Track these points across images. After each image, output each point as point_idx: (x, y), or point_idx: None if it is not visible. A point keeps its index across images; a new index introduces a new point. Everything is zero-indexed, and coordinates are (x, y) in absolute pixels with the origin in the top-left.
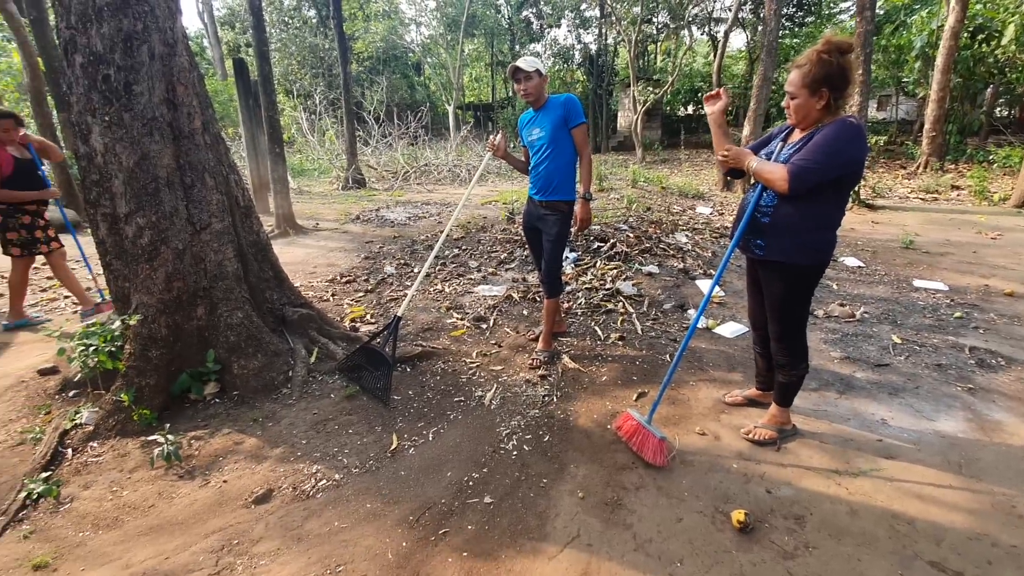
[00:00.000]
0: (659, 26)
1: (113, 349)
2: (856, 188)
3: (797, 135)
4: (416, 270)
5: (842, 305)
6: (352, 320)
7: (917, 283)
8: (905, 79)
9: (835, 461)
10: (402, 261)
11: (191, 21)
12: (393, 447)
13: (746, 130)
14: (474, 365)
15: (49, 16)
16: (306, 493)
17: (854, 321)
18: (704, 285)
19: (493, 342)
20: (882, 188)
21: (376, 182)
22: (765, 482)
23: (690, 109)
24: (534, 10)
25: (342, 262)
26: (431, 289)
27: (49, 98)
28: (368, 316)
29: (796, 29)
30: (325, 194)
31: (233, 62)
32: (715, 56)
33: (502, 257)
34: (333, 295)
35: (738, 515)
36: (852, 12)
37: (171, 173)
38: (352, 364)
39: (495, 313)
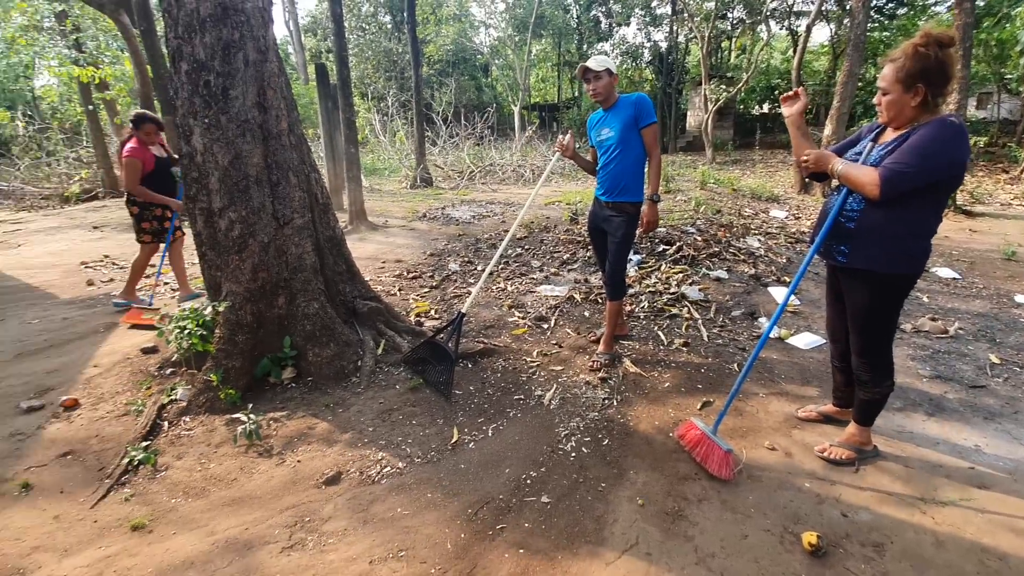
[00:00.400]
0: (734, 21)
1: (204, 333)
2: (952, 194)
3: (890, 135)
4: (479, 268)
5: (933, 319)
6: (417, 315)
7: (1019, 298)
8: (1008, 76)
9: (921, 487)
10: (466, 259)
11: (277, 30)
12: (454, 440)
13: (827, 130)
14: (534, 364)
15: (157, 27)
16: (372, 478)
17: (947, 337)
18: (777, 292)
19: (554, 342)
20: (981, 193)
21: (442, 181)
22: (841, 505)
23: (765, 108)
24: (603, 8)
25: (409, 258)
26: (494, 287)
27: (156, 103)
28: (432, 311)
29: (886, 22)
30: (394, 192)
31: (315, 67)
32: (795, 52)
33: (564, 258)
34: (400, 290)
35: (810, 537)
36: (949, 3)
37: (260, 171)
38: (417, 357)
39: (556, 313)
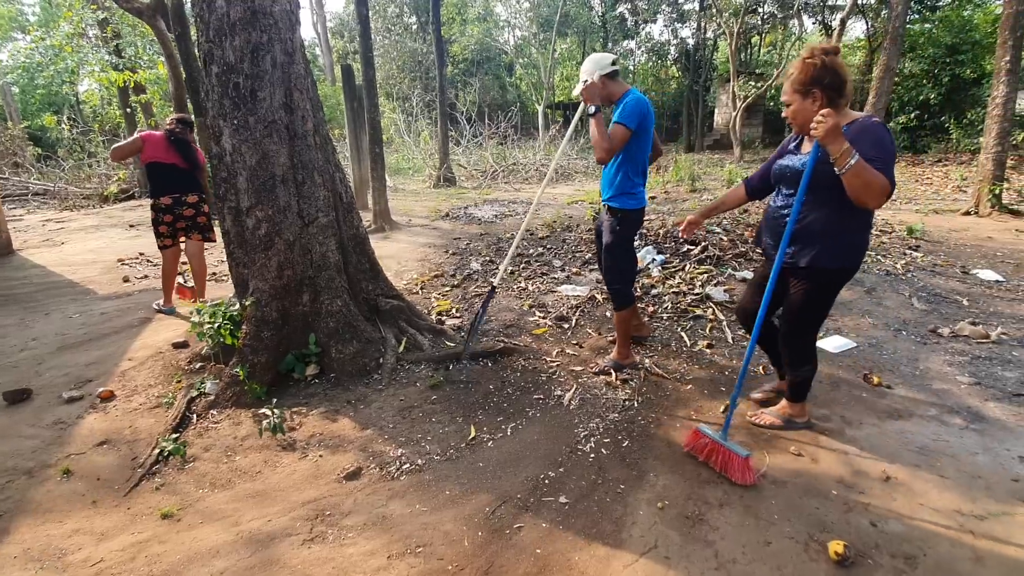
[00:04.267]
0: (765, 16)
1: (232, 328)
2: (997, 192)
3: (808, 144)
4: (501, 267)
5: (974, 324)
6: (438, 313)
7: None
8: None
9: (959, 499)
10: (487, 258)
11: (306, 31)
12: (471, 438)
13: None
14: (554, 364)
15: (191, 31)
16: (391, 474)
17: (988, 343)
18: None
19: (574, 342)
20: None
21: (465, 180)
22: (870, 514)
23: None
24: (629, 5)
25: (431, 257)
26: (514, 287)
27: (189, 105)
28: (453, 310)
29: (928, 13)
30: (418, 191)
31: (341, 68)
32: None
33: (587, 257)
34: (421, 288)
35: (836, 546)
36: None
37: (286, 171)
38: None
39: (577, 313)
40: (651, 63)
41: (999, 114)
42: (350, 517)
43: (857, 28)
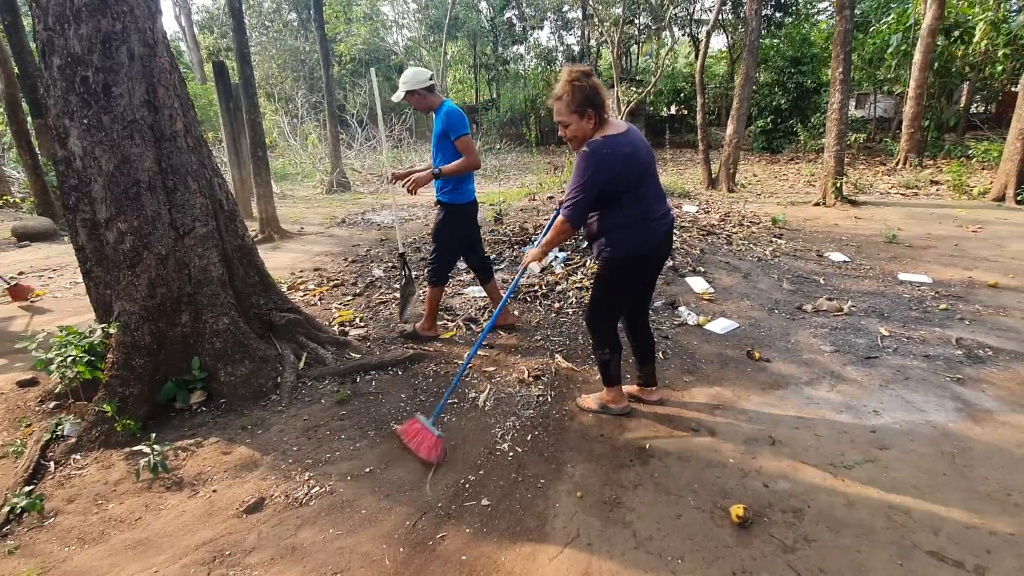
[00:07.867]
0: (641, 27)
1: (93, 359)
2: (839, 185)
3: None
4: (405, 272)
5: (830, 300)
6: (341, 324)
7: (902, 276)
8: (881, 78)
9: (830, 453)
10: (390, 264)
11: (168, 24)
12: (386, 451)
13: (729, 129)
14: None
15: (24, 21)
16: (299, 501)
17: (842, 315)
18: (693, 282)
19: (485, 343)
20: (863, 184)
21: (360, 185)
22: (762, 476)
23: (673, 109)
24: (516, 12)
25: (329, 266)
26: (420, 291)
27: (24, 104)
28: (357, 319)
29: (775, 29)
30: (309, 198)
31: (213, 65)
32: (696, 57)
33: (491, 258)
34: (321, 299)
35: (737, 510)
36: (831, 12)
37: (153, 177)
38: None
39: (486, 314)
40: (540, 68)
41: (836, 118)
42: (254, 553)
43: (719, 41)
